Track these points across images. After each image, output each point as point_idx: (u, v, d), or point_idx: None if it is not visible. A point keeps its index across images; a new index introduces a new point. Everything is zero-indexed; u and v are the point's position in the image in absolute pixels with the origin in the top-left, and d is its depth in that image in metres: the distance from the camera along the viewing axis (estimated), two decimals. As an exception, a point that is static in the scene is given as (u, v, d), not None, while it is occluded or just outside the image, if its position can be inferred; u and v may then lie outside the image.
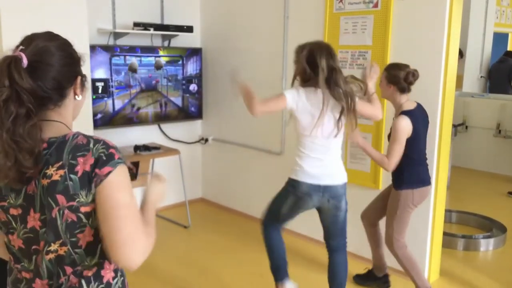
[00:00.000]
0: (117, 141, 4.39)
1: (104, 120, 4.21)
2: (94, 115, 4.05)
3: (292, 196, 2.69)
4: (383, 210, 3.15)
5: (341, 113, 2.52)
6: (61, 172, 1.15)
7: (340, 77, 2.50)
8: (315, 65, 2.51)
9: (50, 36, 1.25)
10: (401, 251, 3.03)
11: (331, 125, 2.56)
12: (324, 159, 2.61)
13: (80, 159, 1.16)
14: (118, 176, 1.17)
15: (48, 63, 1.20)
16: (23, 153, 1.13)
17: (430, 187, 3.11)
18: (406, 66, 2.92)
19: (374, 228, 3.29)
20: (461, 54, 6.69)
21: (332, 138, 2.59)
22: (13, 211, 1.22)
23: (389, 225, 3.04)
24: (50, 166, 1.16)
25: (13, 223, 1.23)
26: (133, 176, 4.42)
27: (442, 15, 3.17)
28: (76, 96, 1.28)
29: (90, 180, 1.15)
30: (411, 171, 2.94)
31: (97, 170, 1.15)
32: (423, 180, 3.01)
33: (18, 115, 1.13)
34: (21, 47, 1.19)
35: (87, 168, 1.15)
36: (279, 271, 2.92)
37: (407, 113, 2.86)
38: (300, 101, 2.54)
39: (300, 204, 2.69)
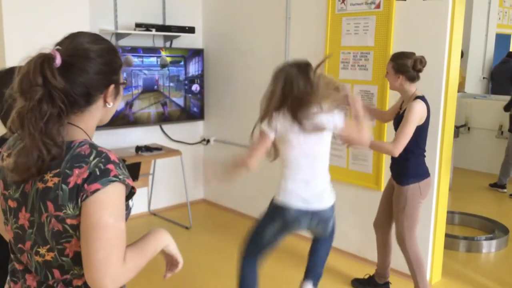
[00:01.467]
0: (118, 141, 4.42)
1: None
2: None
3: (278, 221, 2.53)
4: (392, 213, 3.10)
5: (318, 135, 2.44)
6: (56, 180, 1.12)
7: (306, 110, 2.38)
8: (287, 93, 2.42)
9: (94, 39, 1.20)
10: (413, 249, 2.99)
11: (310, 144, 2.46)
12: (310, 181, 2.50)
13: (76, 171, 1.11)
14: (106, 195, 1.10)
15: (82, 68, 1.15)
16: (51, 155, 1.10)
17: (430, 178, 3.07)
18: (412, 53, 2.87)
19: (386, 237, 3.23)
20: (462, 55, 6.68)
21: (316, 158, 2.50)
22: (10, 203, 1.21)
23: (399, 223, 2.98)
24: (49, 171, 1.13)
25: (8, 214, 1.23)
26: (135, 177, 4.42)
27: (444, 16, 3.16)
28: (107, 104, 1.23)
29: (77, 193, 1.10)
30: (415, 164, 2.92)
31: (85, 185, 1.10)
32: (426, 171, 2.99)
33: (51, 116, 1.10)
34: (57, 47, 1.15)
35: (79, 181, 1.10)
36: None
37: (422, 98, 2.84)
38: (278, 129, 2.45)
39: (286, 229, 2.56)
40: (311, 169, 2.49)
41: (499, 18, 8.05)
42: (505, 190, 5.79)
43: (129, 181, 1.16)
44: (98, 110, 1.22)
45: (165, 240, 1.34)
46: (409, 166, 2.90)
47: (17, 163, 1.12)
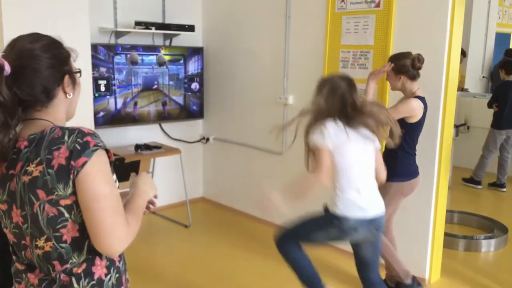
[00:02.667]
0: (118, 140, 4.42)
1: (105, 119, 4.21)
2: (96, 113, 4.05)
3: (335, 230, 2.48)
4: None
5: (368, 143, 2.43)
6: (40, 168, 1.16)
7: (362, 118, 2.39)
8: (334, 102, 2.40)
9: (34, 38, 1.24)
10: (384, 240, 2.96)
11: (361, 152, 2.44)
12: (362, 189, 2.46)
13: (55, 153, 1.16)
14: (94, 166, 1.17)
15: (32, 68, 1.19)
16: None
17: (419, 178, 3.08)
18: (409, 53, 2.94)
19: (389, 236, 3.18)
20: (464, 54, 6.70)
21: (366, 166, 2.48)
22: (1, 206, 1.25)
23: None
24: (31, 163, 1.17)
25: (3, 217, 1.26)
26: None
27: (444, 15, 3.16)
28: (67, 95, 1.28)
29: (67, 173, 1.15)
30: (402, 163, 2.94)
31: (72, 162, 1.15)
32: (414, 172, 3.03)
33: None
34: (2, 55, 1.20)
35: (62, 161, 1.15)
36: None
37: (420, 98, 2.91)
38: (332, 138, 2.39)
39: (342, 237, 2.53)
40: (363, 177, 2.47)
41: (499, 17, 8.05)
42: (479, 187, 5.86)
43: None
44: (61, 103, 1.27)
45: (147, 193, 1.40)
46: (396, 164, 2.91)
47: None
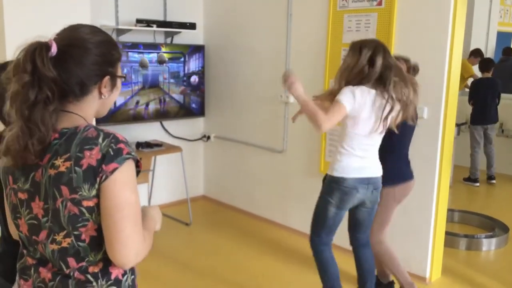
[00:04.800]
0: (119, 137, 4.42)
1: (105, 116, 4.15)
2: (96, 111, 4.05)
3: (337, 193, 2.57)
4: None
5: (389, 112, 2.46)
6: (68, 164, 1.14)
7: (391, 75, 2.44)
8: (372, 65, 2.44)
9: (93, 30, 1.23)
10: (377, 247, 2.95)
11: (378, 123, 2.50)
12: (365, 155, 2.57)
13: (87, 152, 1.14)
14: (124, 173, 1.16)
15: (77, 58, 1.17)
16: (33, 141, 1.13)
17: (412, 182, 3.01)
18: (407, 60, 2.91)
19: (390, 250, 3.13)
20: (481, 55, 6.84)
21: (376, 135, 2.55)
22: (20, 195, 1.22)
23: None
24: (59, 157, 1.15)
25: (19, 207, 1.24)
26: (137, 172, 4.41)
27: (446, 14, 3.16)
28: (102, 96, 1.25)
29: (95, 175, 1.14)
30: (392, 167, 2.84)
31: (103, 166, 1.14)
32: (404, 175, 2.96)
33: (36, 102, 1.12)
34: (55, 36, 1.18)
35: (93, 162, 1.14)
36: None
37: None
38: (356, 103, 2.44)
39: (346, 199, 2.58)
40: (370, 145, 2.56)
41: (501, 16, 8.04)
42: (476, 184, 5.96)
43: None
44: (94, 101, 1.25)
45: (158, 223, 1.41)
46: (385, 168, 2.76)
47: (7, 147, 1.16)
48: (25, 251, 1.29)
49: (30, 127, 1.12)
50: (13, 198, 1.25)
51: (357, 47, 2.49)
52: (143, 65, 4.34)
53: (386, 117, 2.46)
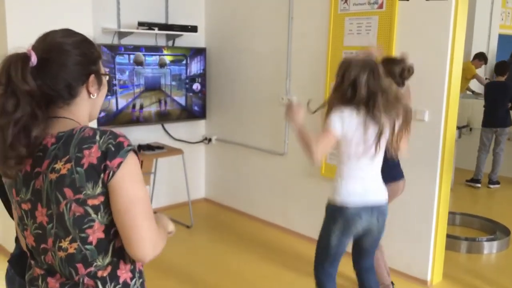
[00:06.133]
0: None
1: (107, 119, 4.21)
2: (98, 114, 4.05)
3: (340, 221, 2.44)
4: None
5: (379, 135, 2.33)
6: (69, 165, 1.14)
7: (380, 100, 2.30)
8: (356, 86, 2.31)
9: (67, 33, 1.23)
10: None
11: (371, 146, 2.38)
12: (366, 178, 2.43)
13: (86, 152, 1.14)
14: (130, 166, 1.16)
15: (59, 62, 1.18)
16: (16, 152, 1.14)
17: (401, 181, 2.99)
18: (402, 60, 2.84)
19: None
20: (485, 58, 6.90)
21: (373, 157, 2.42)
22: (24, 206, 1.22)
23: None
24: (59, 161, 1.15)
25: (25, 218, 1.23)
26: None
27: (447, 17, 3.16)
28: (91, 95, 1.25)
29: (98, 173, 1.14)
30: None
31: (107, 162, 1.14)
32: (393, 176, 2.91)
33: (14, 115, 1.12)
34: (32, 45, 1.18)
35: (93, 160, 1.14)
36: None
37: None
38: (344, 127, 2.34)
39: (349, 227, 2.46)
40: (369, 167, 2.43)
41: (502, 19, 8.03)
42: (478, 185, 6.02)
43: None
44: (84, 102, 1.25)
45: (170, 224, 1.45)
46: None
47: None
48: (33, 262, 1.29)
49: (7, 140, 1.13)
50: (18, 210, 1.25)
51: (342, 68, 2.39)
52: (137, 62, 4.32)
53: (378, 140, 2.34)
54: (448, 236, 3.62)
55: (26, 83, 1.12)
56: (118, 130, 1.21)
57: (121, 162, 1.14)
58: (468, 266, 3.83)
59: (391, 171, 2.90)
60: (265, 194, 4.60)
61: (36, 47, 1.18)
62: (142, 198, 1.17)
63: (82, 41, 1.24)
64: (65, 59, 1.18)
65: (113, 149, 1.15)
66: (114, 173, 1.14)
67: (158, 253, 1.22)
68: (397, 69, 2.82)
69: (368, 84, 2.30)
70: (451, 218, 4.27)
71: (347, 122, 2.34)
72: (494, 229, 4.39)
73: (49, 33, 1.22)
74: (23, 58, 1.14)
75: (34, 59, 1.15)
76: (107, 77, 1.33)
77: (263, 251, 3.97)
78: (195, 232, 4.44)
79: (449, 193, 3.49)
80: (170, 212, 4.70)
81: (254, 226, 4.57)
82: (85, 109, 1.26)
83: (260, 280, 3.52)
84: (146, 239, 1.17)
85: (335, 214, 2.45)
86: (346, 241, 2.50)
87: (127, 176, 1.15)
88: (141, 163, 4.42)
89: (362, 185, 2.43)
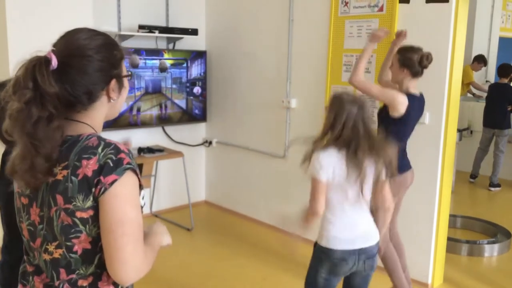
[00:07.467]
0: (121, 143, 4.43)
1: (107, 122, 4.19)
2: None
3: (326, 263, 2.35)
4: None
5: (359, 177, 2.19)
6: (65, 172, 1.11)
7: (358, 141, 2.17)
8: (339, 125, 2.18)
9: (91, 35, 1.17)
10: (384, 245, 2.88)
11: (354, 188, 2.25)
12: (355, 220, 2.31)
13: (84, 162, 1.10)
14: (124, 186, 1.11)
15: (80, 68, 1.13)
16: (39, 158, 1.09)
17: (408, 173, 2.93)
18: (420, 48, 2.84)
19: (395, 240, 3.09)
20: (485, 61, 6.94)
21: (359, 199, 2.29)
22: (23, 200, 1.21)
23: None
24: (58, 165, 1.12)
25: (22, 211, 1.22)
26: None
27: (447, 20, 3.16)
28: (111, 99, 1.21)
29: (90, 186, 1.10)
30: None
31: (101, 177, 1.09)
32: (398, 168, 2.70)
33: (40, 119, 1.08)
34: (53, 48, 1.14)
35: (89, 173, 1.10)
36: None
37: (408, 95, 2.81)
38: (324, 170, 2.22)
39: (336, 270, 2.36)
40: (357, 209, 2.30)
41: (502, 22, 8.04)
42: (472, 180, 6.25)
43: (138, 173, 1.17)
44: (102, 106, 1.22)
45: (165, 236, 1.37)
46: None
47: (13, 168, 1.13)
48: (25, 257, 1.28)
49: (35, 144, 1.09)
50: (17, 201, 1.24)
51: (329, 104, 2.27)
52: (133, 65, 4.31)
53: (361, 182, 2.21)
54: (449, 239, 3.62)
55: (52, 86, 1.09)
56: (124, 146, 1.16)
57: (115, 180, 1.09)
58: (469, 269, 3.83)
59: (398, 162, 2.84)
60: (266, 197, 4.60)
61: (57, 50, 1.13)
62: (131, 220, 1.11)
63: (106, 44, 1.19)
64: (86, 65, 1.13)
65: (111, 164, 1.10)
66: (105, 189, 1.09)
67: (141, 277, 1.16)
68: (416, 57, 2.80)
69: (349, 124, 2.16)
70: (452, 220, 4.26)
71: (325, 167, 2.21)
72: (495, 232, 4.38)
73: (72, 33, 1.17)
74: (45, 61, 1.09)
75: (54, 63, 1.10)
76: (130, 78, 1.28)
77: (263, 254, 3.96)
78: (196, 235, 4.43)
79: (450, 196, 3.49)
80: (170, 214, 4.70)
81: (254, 228, 4.56)
82: (103, 112, 1.23)
83: (261, 282, 3.51)
84: (127, 263, 1.11)
85: (321, 255, 2.35)
86: (333, 281, 2.39)
87: (119, 195, 1.10)
88: (141, 166, 4.43)
89: (350, 232, 2.30)
